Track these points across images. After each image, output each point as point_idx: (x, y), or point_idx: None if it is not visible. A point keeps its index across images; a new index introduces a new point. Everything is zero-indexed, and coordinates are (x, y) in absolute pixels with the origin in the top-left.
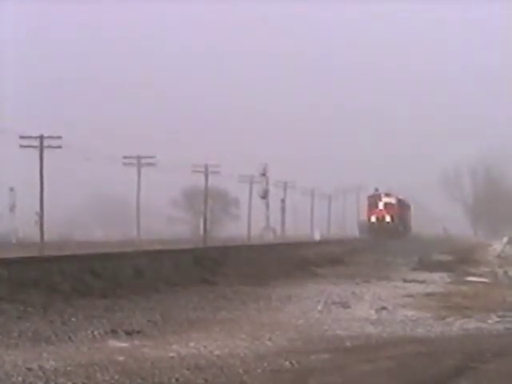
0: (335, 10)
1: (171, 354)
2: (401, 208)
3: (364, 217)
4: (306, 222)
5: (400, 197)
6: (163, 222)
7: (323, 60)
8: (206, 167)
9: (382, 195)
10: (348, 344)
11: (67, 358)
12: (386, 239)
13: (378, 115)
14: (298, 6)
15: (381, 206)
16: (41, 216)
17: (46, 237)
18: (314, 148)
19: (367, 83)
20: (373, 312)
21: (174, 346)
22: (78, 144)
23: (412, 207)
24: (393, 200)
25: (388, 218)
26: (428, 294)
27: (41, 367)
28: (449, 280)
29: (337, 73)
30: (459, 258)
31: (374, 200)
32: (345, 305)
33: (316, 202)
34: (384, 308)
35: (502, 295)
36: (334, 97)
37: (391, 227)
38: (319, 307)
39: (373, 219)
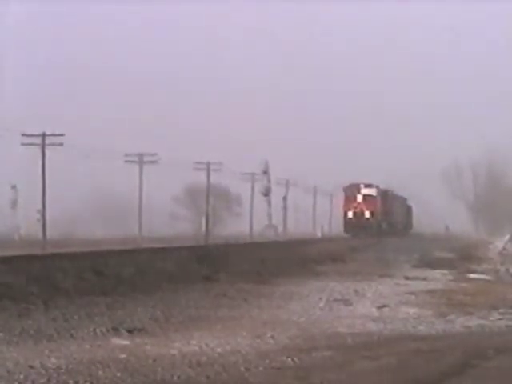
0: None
1: (173, 352)
2: (385, 201)
3: (340, 211)
4: (308, 220)
5: (385, 188)
6: (165, 219)
7: (323, 59)
8: (208, 165)
9: (361, 186)
10: (349, 341)
11: (69, 355)
12: (366, 238)
13: (379, 113)
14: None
15: (359, 198)
16: (43, 214)
17: (47, 234)
18: (316, 146)
19: (369, 83)
20: (374, 309)
21: (176, 344)
22: (80, 142)
23: (412, 204)
24: (373, 192)
25: (367, 214)
26: (430, 291)
27: (43, 365)
28: (450, 277)
29: (337, 72)
30: (461, 256)
31: (351, 192)
32: (346, 302)
33: (318, 199)
34: (386, 305)
35: (503, 292)
36: (335, 95)
37: (371, 224)
38: (321, 305)
39: (350, 215)
